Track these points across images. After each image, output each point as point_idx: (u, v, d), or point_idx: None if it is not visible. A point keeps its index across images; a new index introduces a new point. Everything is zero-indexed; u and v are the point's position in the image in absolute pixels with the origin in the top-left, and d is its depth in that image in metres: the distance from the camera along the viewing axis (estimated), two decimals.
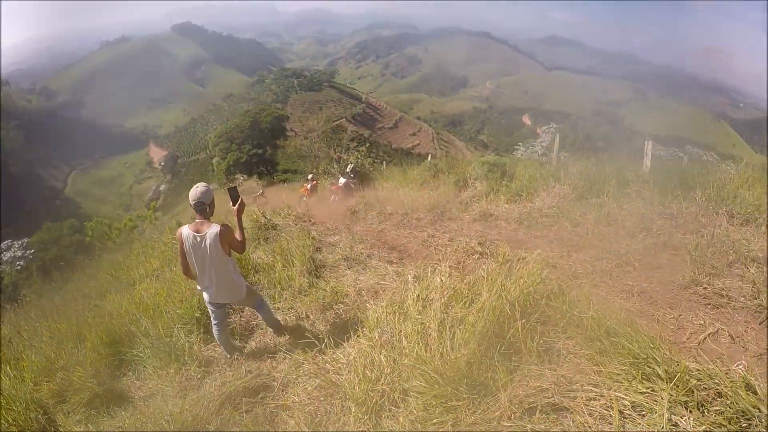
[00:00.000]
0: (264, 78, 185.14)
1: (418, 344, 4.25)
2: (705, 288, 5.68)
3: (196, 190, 5.12)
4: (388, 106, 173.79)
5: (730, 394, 3.08)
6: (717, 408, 3.06)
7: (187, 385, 5.51)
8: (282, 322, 6.39)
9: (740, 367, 3.44)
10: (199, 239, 5.09)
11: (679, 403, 3.14)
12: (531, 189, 10.94)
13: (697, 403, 3.11)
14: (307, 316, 6.52)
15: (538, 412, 3.48)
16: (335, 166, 28.40)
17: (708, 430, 2.95)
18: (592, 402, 3.40)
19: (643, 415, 3.17)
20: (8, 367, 6.53)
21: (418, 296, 5.10)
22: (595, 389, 3.49)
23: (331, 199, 18.58)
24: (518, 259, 6.02)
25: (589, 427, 3.26)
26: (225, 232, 5.10)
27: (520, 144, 36.67)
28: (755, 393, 3.08)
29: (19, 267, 35.37)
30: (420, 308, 4.85)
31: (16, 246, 37.95)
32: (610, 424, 3.20)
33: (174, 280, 8.06)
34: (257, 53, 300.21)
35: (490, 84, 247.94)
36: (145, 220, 38.14)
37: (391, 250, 8.85)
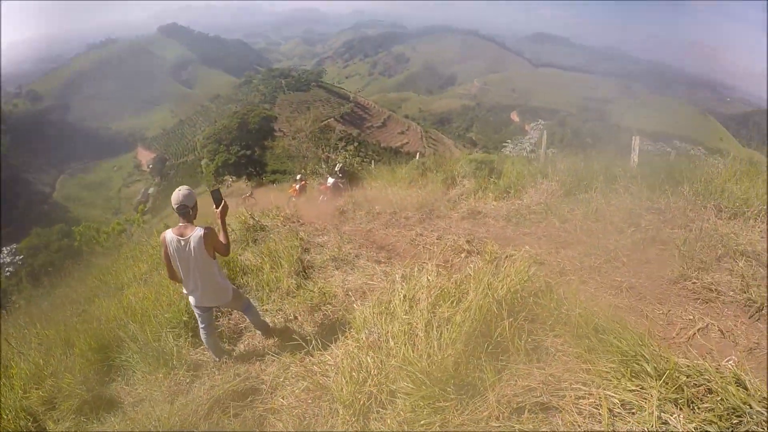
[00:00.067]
0: (251, 78, 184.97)
1: (405, 345, 4.23)
2: (694, 283, 5.67)
3: (179, 193, 5.07)
4: (377, 105, 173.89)
5: (720, 390, 3.06)
6: (707, 405, 3.03)
7: (176, 389, 5.49)
8: (270, 324, 6.36)
9: (730, 362, 3.41)
10: (183, 243, 5.04)
11: (669, 400, 3.12)
12: (519, 186, 10.92)
13: (687, 400, 3.09)
14: (296, 318, 6.50)
15: (526, 411, 3.45)
16: (323, 166, 28.31)
17: (698, 427, 2.92)
18: (581, 401, 3.38)
19: (633, 413, 3.15)
20: None
21: (405, 296, 5.07)
22: (584, 388, 3.46)
23: (319, 199, 18.51)
24: (506, 257, 6.01)
25: (579, 426, 3.23)
26: (209, 235, 5.06)
27: (509, 141, 36.88)
28: (746, 389, 3.06)
29: (8, 273, 35.21)
30: (407, 308, 4.83)
31: (5, 252, 37.90)
32: (600, 422, 3.18)
33: (162, 284, 8.03)
34: (244, 54, 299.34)
35: (477, 82, 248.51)
36: (133, 224, 38.00)
37: (379, 250, 8.81)
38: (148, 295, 7.73)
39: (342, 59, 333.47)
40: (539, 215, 9.21)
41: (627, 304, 5.42)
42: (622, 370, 3.46)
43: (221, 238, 5.25)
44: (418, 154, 32.51)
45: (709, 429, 2.90)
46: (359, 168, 26.44)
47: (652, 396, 3.13)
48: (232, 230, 10.25)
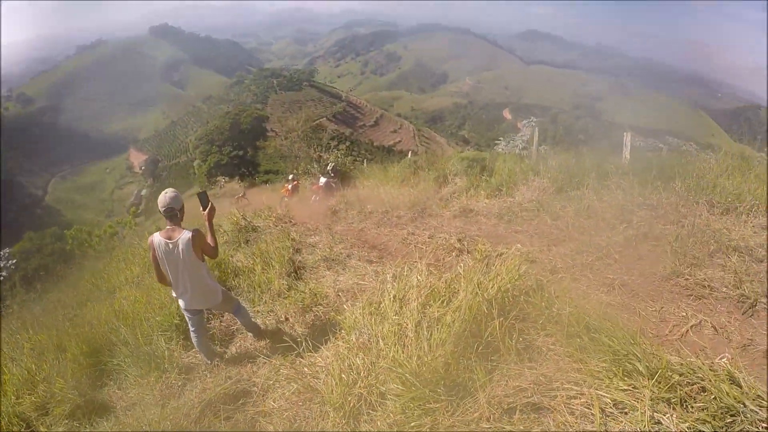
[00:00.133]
0: (243, 79, 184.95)
1: (395, 346, 4.20)
2: (687, 279, 5.66)
3: (165, 196, 5.03)
4: (369, 104, 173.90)
5: (714, 389, 3.02)
6: (700, 404, 3.00)
7: (168, 393, 5.48)
8: (261, 326, 6.33)
9: (724, 359, 3.38)
10: (171, 246, 5.01)
11: (662, 399, 3.09)
12: (511, 183, 10.92)
13: (680, 400, 3.06)
14: (287, 319, 6.47)
15: (517, 412, 3.43)
16: (315, 165, 28.24)
17: (691, 427, 2.89)
18: (572, 401, 3.35)
19: (625, 413, 3.12)
20: None
21: (395, 296, 5.04)
22: (576, 387, 3.44)
23: (312, 199, 18.49)
24: (497, 255, 5.99)
25: (570, 426, 3.21)
26: (197, 237, 5.03)
27: (501, 138, 36.72)
28: (740, 387, 3.03)
29: (1, 278, 35.05)
30: (397, 309, 4.80)
31: None
32: (592, 423, 3.15)
33: (153, 287, 7.98)
34: (235, 54, 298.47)
35: (470, 79, 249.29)
36: (125, 226, 37.95)
37: (371, 249, 8.79)
38: (140, 298, 7.71)
39: (334, 58, 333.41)
40: (531, 213, 9.20)
41: (619, 301, 5.41)
42: (614, 369, 3.44)
43: (209, 240, 5.21)
44: (410, 152, 32.49)
45: (702, 429, 2.87)
46: (351, 167, 26.39)
47: (644, 395, 3.10)
48: (224, 231, 10.23)
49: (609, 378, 3.40)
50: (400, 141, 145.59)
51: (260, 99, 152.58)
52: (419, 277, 5.20)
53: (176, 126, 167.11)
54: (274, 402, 4.72)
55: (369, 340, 4.58)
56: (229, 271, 8.06)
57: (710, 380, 3.09)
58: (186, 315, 5.61)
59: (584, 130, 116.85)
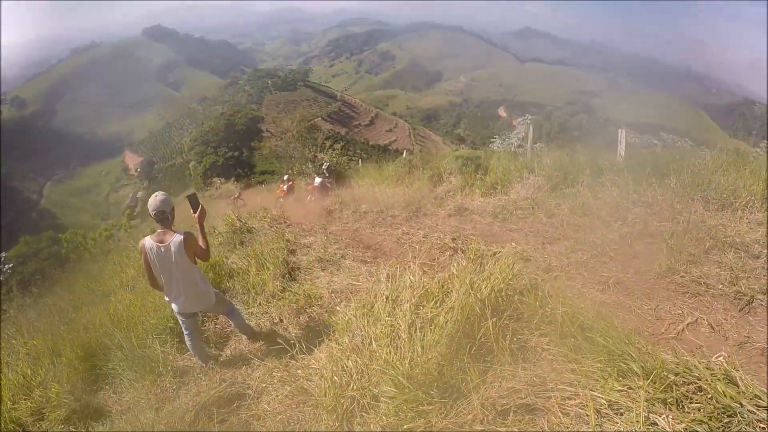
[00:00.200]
0: (238, 79, 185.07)
1: (388, 347, 4.18)
2: (682, 276, 5.63)
3: (155, 199, 5.01)
4: (364, 103, 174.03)
5: (710, 389, 3.00)
6: (697, 404, 2.98)
7: (163, 396, 5.49)
8: (256, 328, 6.32)
9: (720, 358, 3.36)
10: (163, 249, 4.98)
11: (657, 400, 3.06)
12: (505, 181, 10.92)
13: (676, 400, 3.04)
14: (281, 321, 6.48)
15: (511, 413, 3.42)
16: (310, 165, 28.20)
17: (688, 428, 2.86)
18: (567, 402, 3.34)
19: (621, 414, 3.10)
20: None
21: (388, 297, 5.01)
22: (570, 388, 3.41)
23: (307, 200, 18.47)
24: (491, 254, 5.95)
25: (565, 427, 3.20)
26: (189, 240, 5.01)
27: (497, 136, 36.67)
28: (736, 386, 3.00)
29: None
30: (390, 310, 4.78)
31: None
32: (587, 424, 3.13)
33: (148, 290, 7.94)
34: (230, 54, 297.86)
35: (464, 78, 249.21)
36: (121, 229, 37.92)
37: (365, 250, 8.79)
38: (135, 302, 7.72)
39: (328, 58, 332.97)
40: (526, 211, 9.19)
41: (614, 299, 5.37)
42: (609, 369, 3.42)
43: (200, 242, 5.18)
44: (405, 151, 32.46)
45: (699, 429, 2.84)
46: (346, 167, 26.38)
47: (639, 396, 3.08)
48: (219, 233, 10.19)
49: (604, 378, 3.38)
50: (395, 140, 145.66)
51: (255, 99, 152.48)
52: (412, 278, 5.18)
53: (171, 127, 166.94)
54: (268, 405, 4.70)
55: (362, 342, 4.57)
56: (223, 272, 8.07)
57: (707, 380, 3.07)
58: (180, 318, 5.61)
59: (579, 127, 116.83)
